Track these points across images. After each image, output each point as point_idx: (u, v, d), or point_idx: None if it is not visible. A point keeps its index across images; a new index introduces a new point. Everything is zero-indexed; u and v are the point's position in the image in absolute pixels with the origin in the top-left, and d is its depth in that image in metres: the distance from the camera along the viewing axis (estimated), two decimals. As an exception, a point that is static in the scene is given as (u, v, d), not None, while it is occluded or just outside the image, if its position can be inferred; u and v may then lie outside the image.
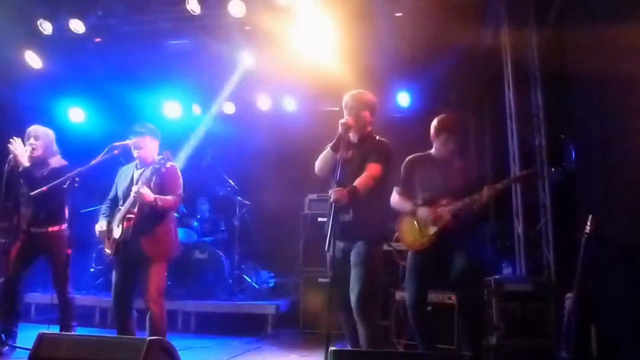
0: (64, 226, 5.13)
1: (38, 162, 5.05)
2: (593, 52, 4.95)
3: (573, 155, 6.20)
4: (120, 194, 4.77)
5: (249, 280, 7.37)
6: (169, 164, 4.51)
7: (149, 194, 4.44)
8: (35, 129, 5.17)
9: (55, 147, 5.22)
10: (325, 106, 8.21)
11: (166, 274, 4.76)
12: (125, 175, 4.84)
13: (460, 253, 4.21)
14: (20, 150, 4.95)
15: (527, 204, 6.11)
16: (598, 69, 4.88)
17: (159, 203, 4.50)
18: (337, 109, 7.66)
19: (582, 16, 5.19)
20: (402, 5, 6.52)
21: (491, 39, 6.53)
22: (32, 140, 5.08)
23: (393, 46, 6.93)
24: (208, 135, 8.01)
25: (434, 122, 4.45)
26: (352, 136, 4.14)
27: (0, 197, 4.86)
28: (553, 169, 6.12)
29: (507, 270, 5.86)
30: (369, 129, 4.22)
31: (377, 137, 4.21)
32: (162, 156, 4.47)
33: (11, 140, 4.95)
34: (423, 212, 4.32)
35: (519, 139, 6.19)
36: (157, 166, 4.45)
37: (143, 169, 4.69)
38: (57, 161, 5.12)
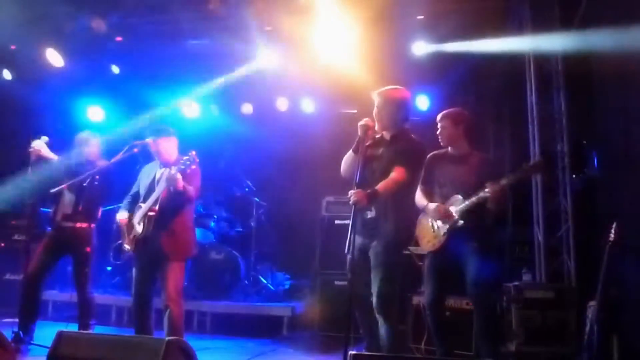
0: (92, 225, 5.16)
1: (86, 162, 5.16)
2: (618, 57, 4.88)
3: (595, 161, 6.12)
4: (142, 191, 4.79)
5: (265, 281, 7.35)
6: (194, 167, 4.50)
7: (180, 180, 4.42)
8: (91, 134, 5.32)
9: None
10: (344, 108, 8.18)
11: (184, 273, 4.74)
12: (148, 173, 4.85)
13: (473, 254, 4.17)
14: (44, 148, 4.99)
15: (548, 210, 6.03)
16: (623, 74, 4.81)
17: (186, 190, 4.48)
18: (355, 111, 7.71)
19: (607, 20, 5.12)
20: (423, 8, 6.47)
21: (514, 43, 6.44)
22: (92, 148, 5.22)
23: (413, 49, 6.90)
24: (226, 135, 8.02)
25: None
26: (385, 134, 4.11)
27: (23, 195, 4.91)
28: (574, 175, 6.04)
29: (526, 277, 5.77)
30: (404, 126, 4.14)
31: (411, 136, 4.14)
32: (188, 157, 4.45)
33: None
34: (431, 208, 4.30)
35: (540, 144, 6.10)
36: (183, 167, 4.43)
37: (164, 168, 4.70)
38: (102, 163, 5.19)
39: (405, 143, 4.07)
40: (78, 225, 5.07)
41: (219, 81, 7.79)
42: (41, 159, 4.98)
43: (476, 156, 4.42)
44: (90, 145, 5.25)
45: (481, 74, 7.24)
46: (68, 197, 5.08)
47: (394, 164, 3.95)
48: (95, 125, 8.45)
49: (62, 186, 4.84)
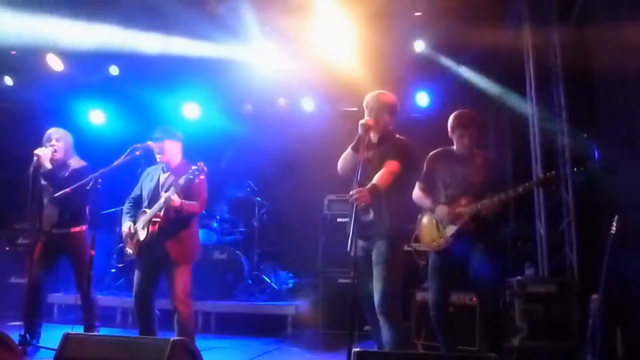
0: (85, 227, 5.18)
1: (59, 164, 5.13)
2: (617, 51, 4.89)
3: (596, 155, 6.12)
4: (145, 195, 4.78)
5: (269, 280, 7.37)
6: (202, 177, 4.50)
7: (176, 200, 4.45)
8: (55, 130, 5.25)
9: (73, 149, 5.30)
10: (344, 106, 8.20)
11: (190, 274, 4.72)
12: (151, 176, 4.84)
13: (479, 254, 4.17)
14: (45, 152, 5.01)
15: (550, 204, 6.03)
16: (623, 68, 4.81)
17: (184, 207, 4.51)
18: (355, 109, 7.73)
19: (605, 14, 5.12)
20: (421, 5, 6.48)
21: (512, 38, 6.46)
22: (53, 142, 5.16)
23: (412, 46, 6.92)
24: (226, 136, 8.04)
25: (450, 119, 4.44)
26: (373, 136, 4.14)
27: (27, 198, 4.92)
28: (576, 169, 6.04)
29: (529, 272, 5.78)
30: (390, 128, 4.20)
31: (397, 136, 4.18)
32: (196, 167, 4.42)
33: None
34: (441, 210, 4.30)
35: (540, 139, 6.10)
36: (191, 177, 4.41)
37: (168, 172, 4.71)
38: (76, 162, 5.20)
39: (393, 141, 4.12)
40: (72, 230, 5.10)
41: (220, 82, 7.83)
42: (40, 167, 4.98)
43: (480, 155, 4.39)
44: (54, 144, 5.15)
45: (481, 70, 7.24)
46: (50, 206, 5.07)
47: (385, 161, 3.99)
48: (97, 127, 8.51)
49: (66, 190, 4.84)
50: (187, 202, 4.54)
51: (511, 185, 4.27)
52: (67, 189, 4.82)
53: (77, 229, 5.12)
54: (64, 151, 5.20)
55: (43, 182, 5.05)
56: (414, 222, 4.57)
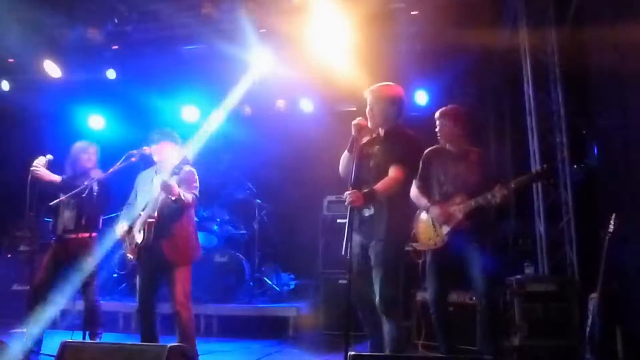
0: (95, 234, 5.21)
1: (81, 172, 5.19)
2: (613, 49, 4.87)
3: (595, 152, 6.11)
4: (140, 199, 4.78)
5: (270, 282, 7.37)
6: (186, 168, 4.51)
7: (175, 187, 4.42)
8: (89, 144, 5.39)
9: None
10: (342, 107, 8.20)
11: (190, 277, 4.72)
12: (144, 180, 4.85)
13: (476, 252, 4.17)
14: (44, 171, 5.03)
15: (549, 202, 6.01)
16: (619, 65, 4.80)
17: (182, 197, 4.47)
18: (354, 109, 7.72)
19: (601, 12, 5.11)
20: (418, 4, 6.47)
21: (509, 36, 6.45)
22: (90, 157, 5.29)
23: (410, 44, 6.91)
24: (225, 138, 8.05)
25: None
26: (380, 131, 4.09)
27: (25, 207, 4.94)
28: (575, 166, 6.03)
29: (529, 270, 5.77)
30: (398, 121, 4.08)
31: (406, 131, 4.07)
32: (180, 160, 4.47)
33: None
34: (435, 211, 4.31)
35: (539, 136, 6.09)
36: (177, 170, 4.43)
37: (161, 174, 4.72)
38: (98, 173, 5.21)
39: (399, 138, 4.00)
40: (81, 235, 5.09)
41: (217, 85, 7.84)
42: (40, 179, 5.00)
43: (475, 153, 4.40)
44: (88, 154, 5.29)
45: (480, 68, 7.23)
46: (67, 212, 5.12)
47: (389, 161, 3.91)
48: (96, 133, 8.52)
49: (61, 199, 4.87)
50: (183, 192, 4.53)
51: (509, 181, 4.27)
52: (61, 198, 4.88)
53: (85, 235, 5.14)
54: (94, 163, 5.31)
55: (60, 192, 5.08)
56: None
